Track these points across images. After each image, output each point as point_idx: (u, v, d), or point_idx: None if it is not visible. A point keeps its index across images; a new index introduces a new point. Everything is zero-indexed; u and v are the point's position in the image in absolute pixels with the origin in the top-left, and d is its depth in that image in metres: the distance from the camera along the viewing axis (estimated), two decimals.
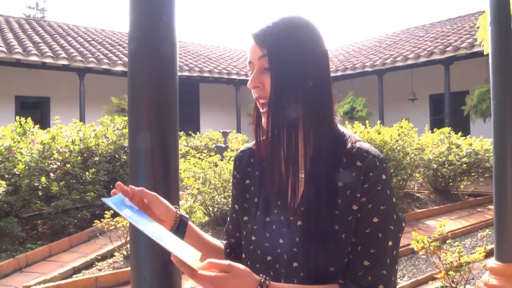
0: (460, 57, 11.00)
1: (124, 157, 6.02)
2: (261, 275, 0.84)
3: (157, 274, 1.28)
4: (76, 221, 5.31)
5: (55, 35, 12.97)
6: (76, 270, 4.15)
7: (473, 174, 7.55)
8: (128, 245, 4.43)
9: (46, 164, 5.11)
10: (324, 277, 0.89)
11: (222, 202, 5.17)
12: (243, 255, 1.04)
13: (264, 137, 1.04)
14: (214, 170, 5.32)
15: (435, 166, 7.20)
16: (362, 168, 0.90)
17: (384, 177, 0.90)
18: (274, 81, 0.91)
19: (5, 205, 4.79)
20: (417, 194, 7.56)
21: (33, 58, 10.17)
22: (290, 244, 0.93)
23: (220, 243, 1.12)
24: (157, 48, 1.29)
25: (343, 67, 13.55)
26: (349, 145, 0.94)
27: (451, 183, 7.62)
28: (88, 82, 11.13)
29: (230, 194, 5.27)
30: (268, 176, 0.98)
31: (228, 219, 1.17)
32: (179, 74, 1.40)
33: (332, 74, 0.93)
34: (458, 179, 7.58)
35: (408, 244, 3.76)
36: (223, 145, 8.66)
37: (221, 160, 5.66)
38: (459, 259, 3.32)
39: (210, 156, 5.75)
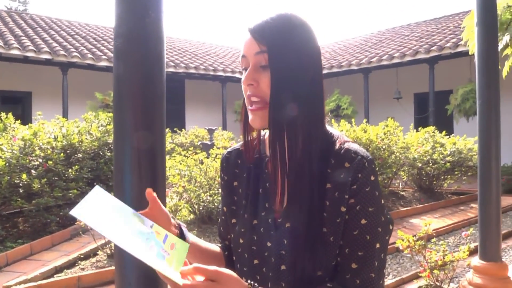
0: (444, 57, 11.13)
1: (109, 154, 5.93)
2: (249, 281, 0.82)
3: (143, 279, 1.24)
4: (58, 219, 5.21)
5: (38, 28, 12.70)
6: (58, 270, 4.06)
7: (456, 173, 7.65)
8: (112, 244, 4.37)
9: (27, 160, 5.00)
10: (312, 281, 0.88)
11: (207, 200, 5.13)
12: (234, 258, 1.03)
13: (252, 137, 1.02)
14: (200, 168, 5.27)
15: (419, 164, 7.28)
16: (351, 169, 0.88)
17: (372, 178, 0.89)
18: (275, 79, 0.88)
19: None
20: (402, 193, 7.64)
21: (15, 52, 9.93)
22: (278, 246, 0.92)
23: (217, 248, 1.10)
24: (144, 45, 1.25)
25: (329, 65, 13.60)
26: (337, 145, 0.92)
27: (435, 182, 7.72)
28: (71, 77, 10.93)
29: (216, 192, 5.25)
30: (272, 177, 0.95)
31: (219, 221, 1.15)
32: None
33: None
34: (442, 177, 7.68)
35: (394, 243, 3.78)
36: (209, 142, 8.61)
37: (207, 157, 5.62)
38: (444, 258, 3.35)
39: (196, 154, 5.69)
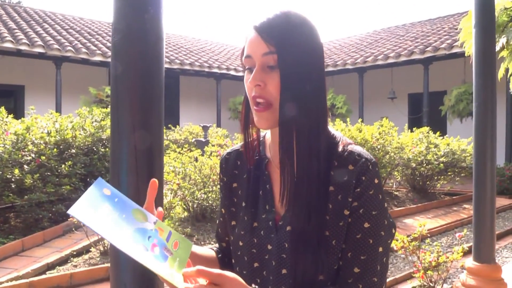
0: (439, 58, 11.18)
1: (102, 149, 5.88)
2: (253, 285, 0.80)
3: (138, 279, 1.22)
4: (50, 214, 5.16)
5: (31, 21, 12.56)
6: (50, 266, 4.02)
7: (449, 173, 7.70)
8: (105, 241, 4.33)
9: (19, 155, 4.94)
10: (314, 285, 0.86)
11: (202, 198, 5.11)
12: (233, 261, 1.01)
13: (252, 138, 1.00)
14: (195, 165, 5.24)
15: (414, 165, 7.31)
16: (354, 172, 0.87)
17: (376, 181, 0.87)
18: (285, 81, 0.86)
19: None
20: (395, 193, 7.67)
21: (8, 45, 9.81)
22: (278, 250, 0.90)
23: (211, 251, 1.08)
24: (143, 41, 1.22)
25: (324, 64, 13.59)
26: (340, 148, 0.91)
27: (428, 182, 7.76)
28: (65, 71, 10.83)
29: (210, 190, 5.21)
30: (280, 179, 0.92)
31: (217, 223, 1.13)
32: None
33: None
34: (435, 178, 7.72)
35: None
36: (203, 139, 8.57)
37: (202, 155, 5.59)
38: (438, 259, 3.36)
39: (190, 151, 5.66)
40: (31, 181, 4.79)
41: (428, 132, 8.00)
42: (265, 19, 0.88)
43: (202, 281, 0.73)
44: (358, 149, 0.91)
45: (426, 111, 11.12)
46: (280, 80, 0.86)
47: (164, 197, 5.14)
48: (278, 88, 0.87)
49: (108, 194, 0.79)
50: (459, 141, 8.00)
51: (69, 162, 5.21)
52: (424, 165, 7.33)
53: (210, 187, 5.14)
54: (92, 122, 6.21)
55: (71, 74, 11.22)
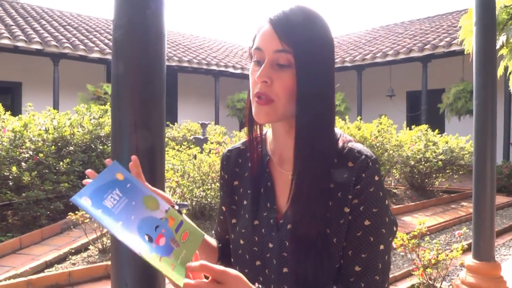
0: (437, 55, 11.17)
1: (101, 147, 5.86)
2: (256, 284, 0.79)
3: (139, 278, 1.20)
4: (48, 212, 5.14)
5: (29, 18, 12.50)
6: (48, 264, 4.00)
7: (448, 171, 7.70)
8: (104, 238, 4.32)
9: (17, 153, 4.91)
10: (315, 284, 0.85)
11: (200, 196, 5.10)
12: (232, 259, 1.00)
13: (256, 135, 0.99)
14: (193, 163, 5.23)
15: (412, 163, 7.31)
16: (354, 169, 0.86)
17: (377, 178, 0.87)
18: (301, 81, 0.85)
19: None
20: (394, 190, 7.67)
21: (5, 41, 9.75)
22: (279, 248, 0.89)
23: (214, 242, 1.08)
24: (144, 37, 1.21)
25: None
26: (340, 144, 0.90)
27: (427, 180, 7.76)
28: (62, 68, 10.79)
29: (209, 187, 5.20)
30: (291, 177, 0.90)
31: (217, 221, 1.12)
32: None
33: None
34: (434, 176, 7.73)
35: None
36: (202, 137, 8.55)
37: (201, 152, 5.58)
38: (437, 257, 3.35)
39: (189, 149, 5.65)
40: (29, 179, 4.77)
41: (426, 130, 8.00)
42: (282, 14, 0.86)
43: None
44: (358, 146, 0.90)
45: (424, 109, 11.12)
46: (297, 80, 0.85)
47: None
48: (285, 88, 0.85)
49: (120, 179, 0.76)
50: (458, 139, 8.01)
51: (67, 159, 5.19)
52: (423, 162, 7.34)
53: (209, 184, 5.13)
54: (90, 120, 6.18)
55: (68, 71, 11.17)
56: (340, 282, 0.86)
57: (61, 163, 5.14)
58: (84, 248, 4.40)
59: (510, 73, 4.84)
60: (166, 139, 9.07)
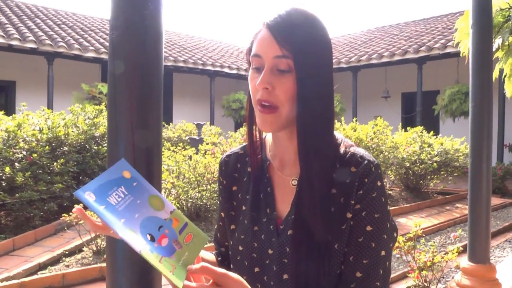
0: (432, 57, 11.23)
1: (95, 147, 5.83)
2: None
3: (136, 283, 1.19)
4: (42, 213, 5.10)
5: (23, 16, 12.41)
6: (42, 266, 3.96)
7: (442, 173, 7.74)
8: (98, 240, 4.28)
9: (11, 153, 4.87)
10: None
11: (196, 197, 5.07)
12: (231, 265, 0.98)
13: (256, 139, 0.98)
14: (189, 164, 5.20)
15: (407, 164, 7.33)
16: (357, 174, 0.85)
17: (379, 183, 0.86)
18: (301, 86, 0.84)
19: None
20: (389, 192, 7.69)
21: None
22: (280, 254, 0.88)
23: (211, 255, 1.05)
24: (142, 38, 1.19)
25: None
26: (342, 149, 0.89)
27: (421, 181, 7.79)
28: (57, 67, 10.72)
29: (205, 188, 5.16)
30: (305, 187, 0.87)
31: (216, 227, 1.11)
32: None
33: None
34: (429, 177, 7.76)
35: None
36: (197, 137, 8.53)
37: (196, 153, 5.55)
38: (433, 259, 3.36)
39: (185, 149, 5.62)
40: (23, 179, 4.72)
41: (421, 132, 8.03)
42: (278, 17, 0.85)
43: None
44: (360, 151, 0.89)
45: (419, 111, 11.17)
46: (297, 85, 0.83)
47: None
48: (287, 93, 0.84)
49: (127, 177, 0.76)
50: (452, 141, 8.04)
51: (61, 160, 5.15)
52: (418, 164, 7.36)
53: (204, 185, 5.11)
54: (85, 119, 6.14)
55: (63, 70, 11.11)
56: None
57: (55, 164, 5.10)
58: (78, 249, 4.36)
59: (505, 76, 4.86)
60: (162, 140, 9.01)
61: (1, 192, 4.77)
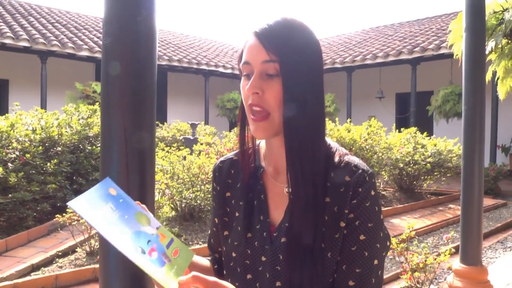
0: (427, 58, 11.28)
1: (89, 147, 5.80)
2: None
3: (129, 283, 1.19)
4: (35, 213, 5.07)
5: (16, 14, 12.32)
6: (35, 267, 3.94)
7: (436, 173, 7.78)
8: (92, 241, 4.27)
9: (3, 153, 4.83)
10: None
11: (190, 197, 5.07)
12: (224, 272, 0.98)
13: (247, 146, 0.98)
14: (183, 164, 5.19)
15: (401, 165, 7.36)
16: (351, 183, 0.85)
17: (373, 193, 0.86)
18: (287, 90, 0.84)
19: None
20: (383, 192, 7.72)
21: None
22: (273, 262, 0.88)
23: (207, 261, 1.05)
24: (135, 44, 1.19)
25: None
26: (336, 158, 0.89)
27: (415, 182, 7.83)
28: (50, 66, 10.65)
29: (199, 189, 5.15)
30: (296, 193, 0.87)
31: (209, 233, 1.10)
32: None
33: None
34: (422, 178, 7.79)
35: None
36: (191, 137, 8.51)
37: (190, 153, 5.54)
38: (425, 261, 3.38)
39: (179, 150, 5.61)
40: (15, 180, 4.69)
41: (415, 133, 8.07)
42: (266, 25, 0.86)
43: None
44: (355, 160, 0.90)
45: (413, 111, 11.22)
46: (283, 90, 0.84)
47: None
48: (276, 97, 0.85)
49: (113, 194, 0.78)
50: (446, 142, 8.09)
51: (55, 160, 5.12)
52: (411, 165, 7.40)
53: (198, 186, 5.10)
54: (79, 119, 6.11)
55: (56, 69, 11.04)
56: None
57: (48, 164, 5.07)
58: (71, 250, 4.34)
59: (498, 78, 4.90)
60: (156, 140, 9.00)
61: None
